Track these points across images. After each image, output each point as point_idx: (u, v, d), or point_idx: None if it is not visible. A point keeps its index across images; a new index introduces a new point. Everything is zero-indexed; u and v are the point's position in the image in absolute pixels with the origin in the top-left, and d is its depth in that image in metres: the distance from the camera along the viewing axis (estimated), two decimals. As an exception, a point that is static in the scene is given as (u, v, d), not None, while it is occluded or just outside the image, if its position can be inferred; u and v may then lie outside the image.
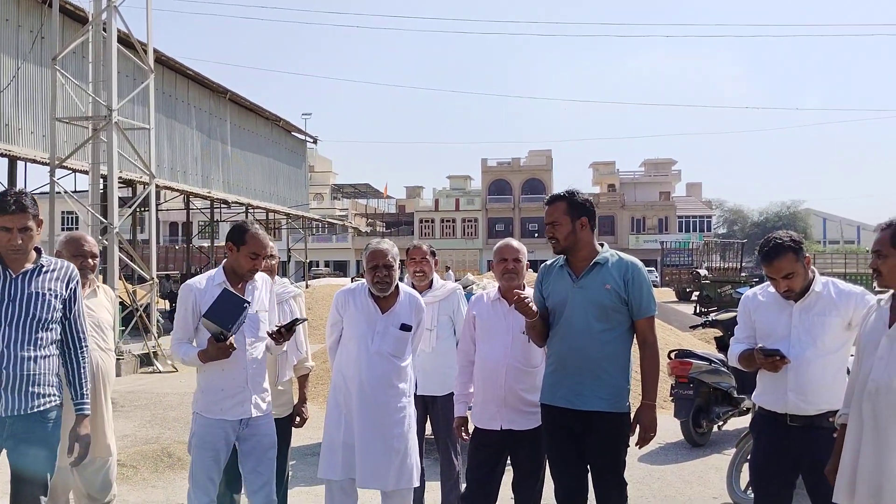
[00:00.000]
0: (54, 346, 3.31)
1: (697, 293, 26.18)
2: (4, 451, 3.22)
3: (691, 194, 71.02)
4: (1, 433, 3.17)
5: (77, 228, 15.17)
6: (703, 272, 27.43)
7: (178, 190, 21.02)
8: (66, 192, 13.46)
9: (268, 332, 3.76)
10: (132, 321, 13.13)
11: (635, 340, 3.67)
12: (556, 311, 3.66)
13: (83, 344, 3.43)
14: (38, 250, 3.30)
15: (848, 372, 4.98)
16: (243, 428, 3.74)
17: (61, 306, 3.32)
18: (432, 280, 4.98)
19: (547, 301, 3.73)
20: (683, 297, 30.22)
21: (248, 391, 3.73)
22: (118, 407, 9.21)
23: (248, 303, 3.61)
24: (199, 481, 3.68)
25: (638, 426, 3.56)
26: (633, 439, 3.59)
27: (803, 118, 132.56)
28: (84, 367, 3.42)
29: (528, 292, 3.91)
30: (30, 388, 3.19)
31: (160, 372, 12.27)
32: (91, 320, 3.95)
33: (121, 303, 13.26)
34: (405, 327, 4.01)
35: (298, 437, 6.60)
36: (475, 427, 4.03)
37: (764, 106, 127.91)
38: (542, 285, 3.79)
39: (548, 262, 3.85)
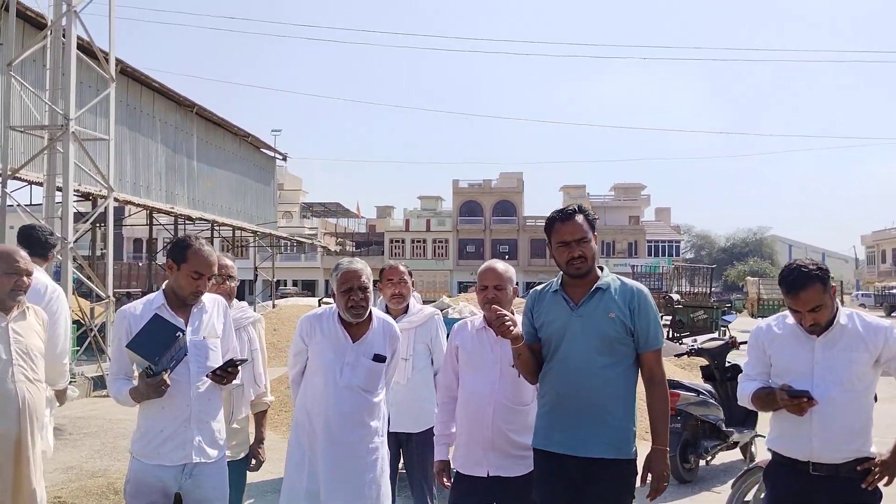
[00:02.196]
0: None
1: (670, 318, 25.98)
2: None
3: (660, 219, 71.61)
4: None
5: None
6: (675, 297, 27.28)
7: (139, 205, 20.32)
8: (19, 204, 12.79)
9: (207, 375, 3.25)
10: (86, 341, 12.45)
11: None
12: (551, 343, 3.19)
13: None
14: None
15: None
16: (186, 477, 3.19)
17: None
18: (408, 304, 4.53)
19: (540, 332, 3.25)
20: (655, 321, 29.96)
21: (192, 432, 3.19)
22: (66, 435, 8.59)
23: (182, 331, 3.09)
24: None
25: (649, 474, 3.10)
26: (643, 489, 3.16)
27: (771, 145, 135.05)
28: None
29: (518, 319, 3.48)
30: None
31: (114, 396, 11.59)
32: (18, 346, 3.47)
33: (75, 321, 12.59)
34: (379, 358, 3.54)
35: (257, 473, 6.10)
36: (458, 472, 3.57)
37: (734, 131, 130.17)
38: (532, 313, 3.31)
39: (538, 288, 3.38)
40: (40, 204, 13.22)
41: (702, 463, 6.95)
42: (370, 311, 3.55)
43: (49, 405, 3.93)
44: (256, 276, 37.90)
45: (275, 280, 37.51)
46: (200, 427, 3.22)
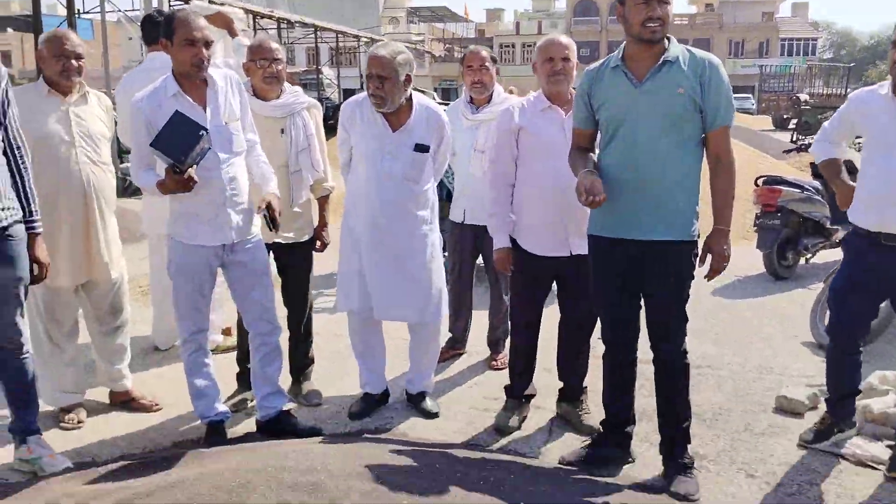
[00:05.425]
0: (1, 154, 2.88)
1: (796, 120, 24.30)
2: None
3: (797, 15, 65.28)
4: None
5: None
6: (803, 97, 25.35)
7: (241, 8, 20.19)
8: (119, 10, 12.95)
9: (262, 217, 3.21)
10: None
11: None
12: (610, 125, 2.91)
13: (23, 152, 2.97)
14: None
15: None
16: (227, 254, 3.29)
17: None
18: (492, 94, 4.24)
19: (598, 113, 2.95)
20: (780, 125, 28.24)
21: (226, 214, 3.21)
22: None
23: (206, 129, 2.97)
24: (184, 312, 3.31)
25: (709, 255, 2.91)
26: (702, 270, 2.97)
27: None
28: (29, 180, 2.99)
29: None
30: None
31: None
32: (80, 129, 3.53)
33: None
34: (421, 147, 3.42)
35: (327, 264, 6.12)
36: (530, 254, 3.43)
37: None
38: (589, 95, 2.97)
39: (593, 66, 3.02)
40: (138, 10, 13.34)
41: (801, 261, 6.63)
42: (410, 98, 3.41)
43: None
44: (363, 84, 37.89)
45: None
46: (235, 209, 3.24)
